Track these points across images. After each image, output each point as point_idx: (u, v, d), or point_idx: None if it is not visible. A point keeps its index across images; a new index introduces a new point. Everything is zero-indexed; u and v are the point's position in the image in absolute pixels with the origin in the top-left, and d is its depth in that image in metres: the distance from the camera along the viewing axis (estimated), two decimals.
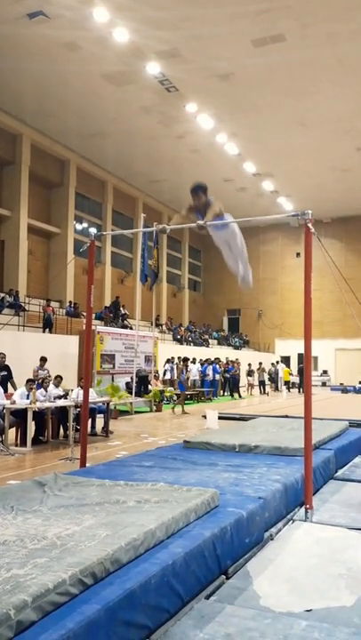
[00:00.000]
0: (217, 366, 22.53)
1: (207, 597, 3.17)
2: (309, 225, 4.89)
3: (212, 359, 22.75)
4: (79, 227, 25.33)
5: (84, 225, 25.85)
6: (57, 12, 14.41)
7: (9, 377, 10.65)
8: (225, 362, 24.26)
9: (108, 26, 14.86)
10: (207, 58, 16.48)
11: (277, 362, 29.35)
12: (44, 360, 12.66)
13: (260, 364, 26.30)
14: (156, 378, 18.72)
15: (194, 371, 22.09)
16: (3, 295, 18.68)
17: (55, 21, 14.76)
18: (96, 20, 14.59)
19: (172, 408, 15.71)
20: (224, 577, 3.45)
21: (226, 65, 16.93)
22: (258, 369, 25.65)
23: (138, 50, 16.08)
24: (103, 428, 10.55)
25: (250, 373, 25.35)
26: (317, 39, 15.59)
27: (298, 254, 33.56)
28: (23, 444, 8.91)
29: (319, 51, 16.15)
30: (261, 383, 25.57)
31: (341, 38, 15.53)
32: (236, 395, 22.56)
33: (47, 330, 17.89)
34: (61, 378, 10.57)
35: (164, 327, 28.02)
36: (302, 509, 4.69)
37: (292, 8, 14.30)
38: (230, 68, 17.22)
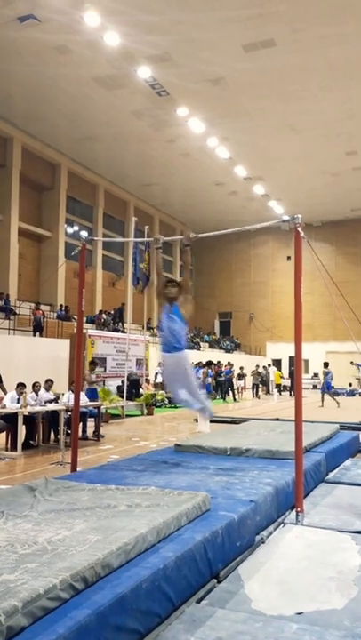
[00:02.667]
0: (210, 370, 22.51)
1: (198, 601, 3.17)
2: (299, 229, 4.91)
3: (204, 362, 22.74)
4: (70, 230, 25.28)
5: (75, 228, 25.81)
6: (48, 16, 14.41)
7: None
8: (217, 365, 24.25)
9: (99, 30, 14.87)
10: (198, 62, 16.53)
11: (269, 365, 29.39)
12: (94, 364, 12.83)
13: (257, 366, 26.31)
14: (148, 381, 18.69)
15: None
16: None
17: (46, 25, 14.75)
18: (87, 24, 14.60)
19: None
20: (215, 581, 3.45)
21: (217, 69, 17.00)
22: (253, 372, 25.65)
23: (129, 54, 16.11)
24: (94, 432, 10.53)
25: (240, 377, 25.35)
26: (308, 44, 15.68)
27: (289, 257, 33.67)
28: (14, 448, 8.87)
29: (309, 55, 16.25)
30: (255, 386, 25.60)
31: (331, 43, 15.64)
32: (229, 398, 22.56)
33: (37, 333, 17.83)
34: (52, 381, 10.54)
35: (155, 330, 28.00)
36: (293, 512, 4.70)
37: (282, 13, 14.38)
38: (221, 73, 17.29)
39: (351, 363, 24.40)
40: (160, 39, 15.36)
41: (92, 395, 13.08)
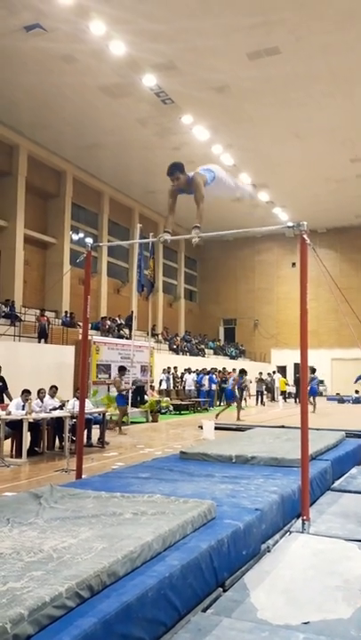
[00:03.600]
0: (213, 376, 22.51)
1: (204, 610, 3.16)
2: (305, 237, 4.91)
3: (208, 369, 22.75)
4: (75, 237, 25.38)
5: (80, 235, 25.91)
6: (54, 25, 14.53)
7: (4, 388, 10.62)
8: (222, 371, 24.25)
9: (104, 38, 14.98)
10: (203, 70, 16.62)
11: (274, 372, 29.34)
12: (123, 370, 13.26)
13: (260, 373, 26.23)
14: (153, 388, 18.69)
15: (189, 381, 22.09)
16: None
17: (52, 34, 14.87)
18: (93, 33, 14.71)
19: (217, 414, 15.49)
20: (221, 589, 3.44)
21: (221, 77, 17.09)
22: (256, 379, 25.58)
23: (134, 62, 16.21)
24: (99, 438, 10.51)
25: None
26: (311, 52, 15.76)
27: (293, 264, 33.68)
28: (19, 455, 8.86)
29: (313, 63, 16.32)
30: (259, 393, 25.52)
31: (335, 50, 15.71)
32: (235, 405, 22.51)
33: (42, 340, 17.86)
34: (56, 388, 10.51)
35: (160, 337, 28.01)
36: (299, 521, 4.68)
37: (286, 21, 14.47)
38: (226, 81, 17.38)
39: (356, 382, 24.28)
40: (165, 47, 15.46)
41: (122, 401, 13.29)
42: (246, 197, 5.79)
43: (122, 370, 13.88)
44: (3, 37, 14.90)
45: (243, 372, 16.45)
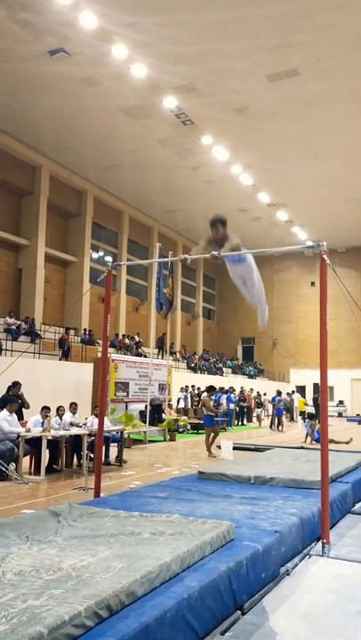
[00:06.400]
0: (231, 395, 22.39)
1: (222, 633, 3.12)
2: (325, 257, 4.91)
3: (227, 388, 22.63)
4: (95, 255, 25.65)
5: (100, 253, 26.18)
6: (77, 50, 14.88)
7: (22, 405, 10.71)
8: (240, 391, 24.11)
9: (126, 62, 15.28)
10: (223, 91, 16.85)
11: (293, 392, 29.07)
12: (212, 389, 13.24)
13: (279, 393, 25.92)
14: (170, 406, 18.64)
15: None
16: (19, 323, 18.87)
17: (75, 58, 15.23)
18: (115, 57, 15.01)
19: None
20: (240, 612, 3.39)
21: (241, 98, 17.29)
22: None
23: (155, 84, 16.49)
24: (117, 457, 10.50)
25: (259, 405, 24.93)
26: (331, 73, 15.88)
27: (312, 283, 33.55)
28: (37, 472, 8.89)
29: (332, 84, 16.44)
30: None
31: (354, 71, 15.81)
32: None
33: (64, 358, 17.99)
34: (76, 405, 10.56)
35: (178, 355, 28.01)
36: (319, 544, 4.61)
37: (305, 43, 14.63)
38: (245, 102, 17.57)
39: None
40: (185, 69, 15.71)
41: (210, 422, 12.59)
42: (256, 306, 5.51)
43: (211, 389, 13.35)
44: (28, 62, 15.29)
45: (279, 393, 16.93)
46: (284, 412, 22.43)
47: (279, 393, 22.50)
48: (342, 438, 13.29)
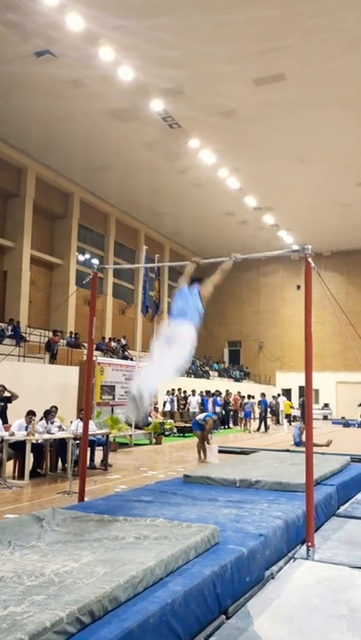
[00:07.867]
0: (218, 399, 22.37)
1: (207, 638, 3.11)
2: (309, 260, 4.93)
3: (213, 391, 22.62)
4: (81, 258, 25.54)
5: (87, 256, 26.07)
6: (64, 51, 14.82)
7: (5, 408, 10.61)
8: (225, 394, 24.11)
9: (113, 64, 15.25)
10: (210, 95, 16.89)
11: (278, 394, 29.14)
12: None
13: (263, 395, 25.97)
14: (157, 410, 18.59)
15: (193, 403, 21.96)
16: (3, 326, 18.71)
17: (62, 60, 15.17)
18: (102, 59, 14.97)
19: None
20: (224, 617, 3.38)
21: (228, 102, 17.34)
22: (259, 402, 25.32)
23: (142, 87, 16.48)
24: (102, 460, 10.44)
25: (243, 406, 24.93)
26: (318, 78, 15.98)
27: (298, 287, 33.72)
28: (21, 476, 8.80)
29: (319, 89, 16.54)
30: (262, 417, 25.26)
31: (341, 76, 15.93)
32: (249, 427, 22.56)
33: (53, 361, 17.88)
34: (56, 408, 10.34)
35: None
36: (304, 547, 4.61)
37: (292, 48, 14.71)
38: (232, 106, 17.62)
39: (359, 405, 24.52)
40: (173, 73, 15.72)
41: (198, 427, 12.05)
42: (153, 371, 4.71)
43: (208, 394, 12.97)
44: (14, 63, 15.20)
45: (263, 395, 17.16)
46: (252, 415, 22.74)
47: (263, 395, 22.96)
48: (322, 441, 13.32)
